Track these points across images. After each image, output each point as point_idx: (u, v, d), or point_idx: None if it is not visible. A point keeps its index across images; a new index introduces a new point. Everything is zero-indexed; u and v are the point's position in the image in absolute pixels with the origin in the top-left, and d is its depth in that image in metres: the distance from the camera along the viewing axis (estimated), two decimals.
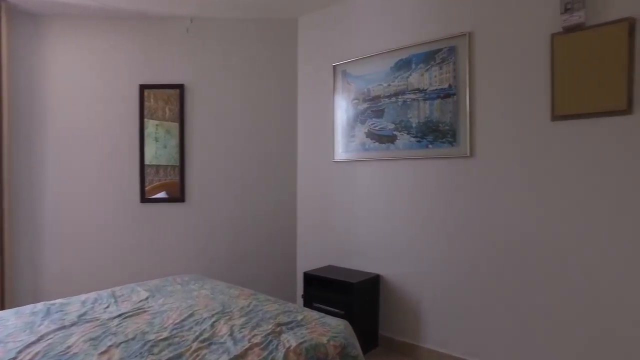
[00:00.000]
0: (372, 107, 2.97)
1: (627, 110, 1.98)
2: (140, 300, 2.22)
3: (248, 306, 2.11)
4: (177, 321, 1.88)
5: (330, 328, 1.83)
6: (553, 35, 2.17)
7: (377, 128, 2.96)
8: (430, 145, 2.68)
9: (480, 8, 2.47)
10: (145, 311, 2.04)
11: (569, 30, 2.12)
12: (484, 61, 2.45)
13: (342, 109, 3.17)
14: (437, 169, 2.67)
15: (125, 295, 2.33)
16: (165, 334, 1.73)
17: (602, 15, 2.06)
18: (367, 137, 3.01)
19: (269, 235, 3.47)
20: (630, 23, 1.97)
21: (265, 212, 3.46)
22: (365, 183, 3.04)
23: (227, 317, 1.94)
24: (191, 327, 1.82)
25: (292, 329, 1.81)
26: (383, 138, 2.92)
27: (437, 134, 2.65)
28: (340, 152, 3.17)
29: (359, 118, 3.05)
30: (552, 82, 2.18)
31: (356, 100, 3.07)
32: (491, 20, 2.43)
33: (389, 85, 2.87)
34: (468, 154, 2.50)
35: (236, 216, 3.41)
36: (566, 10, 2.10)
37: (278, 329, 1.80)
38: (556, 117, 2.18)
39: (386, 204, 2.91)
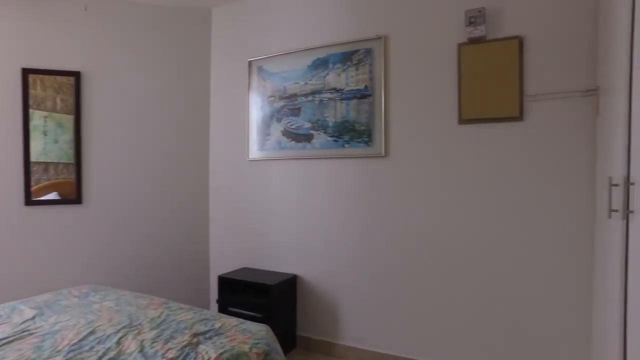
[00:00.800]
0: (288, 105, 2.92)
1: (520, 117, 2.19)
2: (25, 321, 1.88)
3: (159, 317, 1.93)
4: (74, 341, 1.63)
5: (251, 334, 1.73)
6: (460, 45, 2.32)
7: (293, 127, 2.91)
8: (346, 145, 2.71)
9: (395, 13, 2.55)
10: (31, 333, 1.74)
11: (472, 41, 2.28)
12: (399, 65, 2.54)
13: (258, 106, 3.06)
14: (353, 168, 2.70)
15: (3, 316, 1.96)
16: (59, 359, 1.49)
17: (498, 31, 2.25)
18: (283, 135, 2.95)
19: (180, 237, 3.23)
20: (520, 41, 2.18)
21: (175, 213, 3.21)
22: (281, 182, 2.98)
23: (135, 331, 1.74)
24: (92, 347, 1.59)
25: (210, 338, 1.69)
26: (300, 137, 2.89)
27: (353, 134, 2.68)
28: (256, 151, 3.07)
29: (275, 116, 2.98)
30: (459, 88, 2.33)
31: (272, 98, 2.99)
32: (405, 26, 2.52)
33: (306, 83, 2.84)
34: (383, 154, 2.58)
35: (142, 218, 3.11)
36: (470, 23, 2.25)
37: (195, 339, 1.66)
38: (462, 120, 2.33)
39: (303, 204, 2.88)
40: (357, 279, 2.69)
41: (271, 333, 1.83)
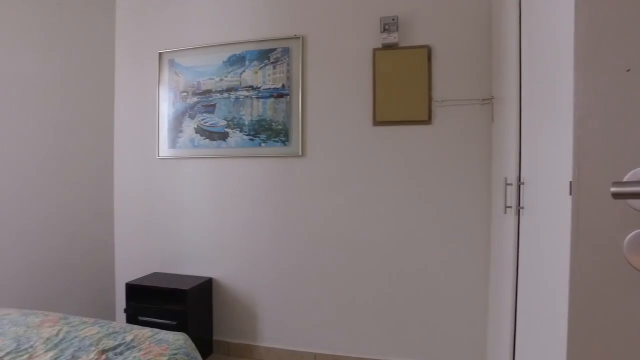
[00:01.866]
0: (202, 101, 2.77)
1: (428, 121, 2.32)
2: None
3: (57, 335, 1.65)
4: None
5: (168, 345, 1.58)
6: (375, 50, 2.39)
7: (207, 124, 2.78)
8: (263, 144, 2.65)
9: (314, 14, 2.55)
10: None
11: (386, 47, 2.36)
12: (316, 65, 2.54)
13: (169, 102, 2.86)
14: (270, 167, 2.65)
15: None
16: None
17: (410, 39, 2.36)
18: (196, 133, 2.79)
19: (79, 243, 2.86)
20: (428, 50, 2.31)
21: (73, 217, 2.84)
22: (194, 182, 2.82)
23: (26, 356, 1.48)
24: None
25: (121, 354, 1.50)
26: (214, 135, 2.76)
27: (270, 133, 2.63)
28: (166, 149, 2.86)
29: (187, 112, 2.81)
30: (374, 91, 2.39)
31: (185, 93, 2.82)
32: (324, 28, 2.53)
33: (222, 79, 2.72)
34: (300, 154, 2.56)
35: (33, 224, 2.70)
36: (384, 29, 2.33)
37: (103, 357, 1.47)
38: (377, 122, 2.40)
39: (217, 204, 2.75)
40: (272, 279, 2.63)
41: (190, 341, 1.69)
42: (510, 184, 1.63)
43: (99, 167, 2.98)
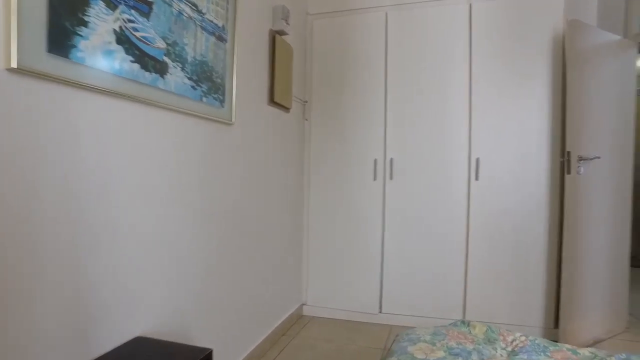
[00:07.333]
0: None
1: (288, 110, 2.68)
2: None
3: None
4: None
5: None
6: (273, 34, 2.41)
7: (138, 34, 1.29)
8: (204, 99, 1.69)
9: None
10: None
11: (279, 33, 2.43)
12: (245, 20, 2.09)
13: None
14: (203, 134, 1.73)
15: None
16: None
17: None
18: (119, 43, 1.21)
19: None
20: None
21: None
22: (98, 145, 1.18)
23: None
24: None
25: None
26: (147, 60, 1.34)
27: (211, 85, 1.73)
28: (38, 52, 0.95)
29: None
30: (272, 73, 2.38)
31: None
32: None
33: None
34: (232, 121, 1.92)
35: None
36: (282, 18, 2.41)
37: None
38: (271, 102, 2.39)
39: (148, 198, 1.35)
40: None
41: None
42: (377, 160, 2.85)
43: None
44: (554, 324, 2.52)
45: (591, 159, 2.32)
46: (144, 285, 1.39)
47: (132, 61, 1.29)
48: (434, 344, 1.47)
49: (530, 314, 2.58)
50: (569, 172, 2.29)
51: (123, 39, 1.25)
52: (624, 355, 1.42)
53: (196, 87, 1.65)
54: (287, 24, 2.47)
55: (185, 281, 1.62)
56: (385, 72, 2.82)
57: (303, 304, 3.00)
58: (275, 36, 2.40)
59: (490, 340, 1.53)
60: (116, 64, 1.22)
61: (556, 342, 1.48)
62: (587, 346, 2.40)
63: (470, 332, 1.61)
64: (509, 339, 1.52)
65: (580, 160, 2.29)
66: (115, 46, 1.22)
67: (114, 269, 1.25)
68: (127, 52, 1.27)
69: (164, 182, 1.49)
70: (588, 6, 2.67)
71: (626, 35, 2.80)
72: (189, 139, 1.65)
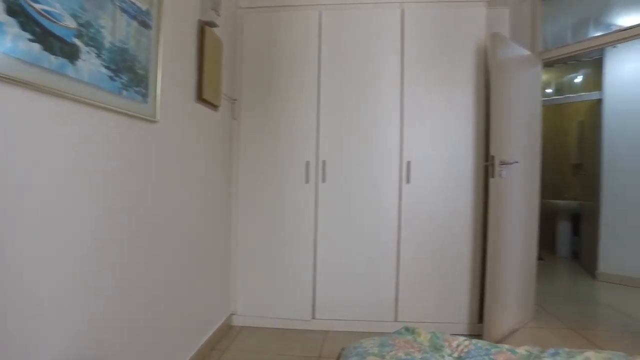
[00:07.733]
0: None
1: (217, 107, 2.46)
2: None
3: None
4: None
5: None
6: (202, 24, 2.18)
7: (39, 6, 1.01)
8: (125, 92, 1.43)
9: None
10: None
11: (209, 25, 2.20)
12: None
13: None
14: (122, 133, 1.47)
15: None
16: None
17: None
18: (11, 15, 0.95)
19: None
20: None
21: None
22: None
23: None
24: None
25: None
26: (53, 41, 1.07)
27: (133, 77, 1.47)
28: None
29: None
30: (201, 67, 2.14)
31: None
32: None
33: None
34: (156, 119, 1.67)
35: None
36: (212, 8, 2.19)
37: None
38: (199, 100, 2.16)
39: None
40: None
41: None
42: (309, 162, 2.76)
43: None
44: (478, 319, 2.65)
45: (511, 163, 2.48)
46: (47, 318, 1.12)
47: (30, 40, 1.02)
48: (382, 357, 1.41)
49: (457, 312, 2.69)
50: (492, 176, 2.42)
51: (16, 9, 0.98)
52: (552, 350, 1.51)
53: (115, 77, 1.39)
54: (218, 15, 2.26)
55: (97, 304, 1.36)
56: (318, 72, 2.75)
57: (232, 314, 2.79)
58: (204, 27, 2.18)
59: (436, 347, 1.52)
60: (7, 41, 0.95)
61: (480, 335, 1.52)
62: (504, 337, 2.57)
63: (415, 340, 1.59)
64: (454, 344, 1.53)
65: (502, 164, 2.44)
66: (4, 17, 0.95)
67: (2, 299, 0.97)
68: (24, 27, 1.00)
69: (73, 187, 1.22)
70: (502, 21, 2.88)
71: (533, 52, 3.07)
72: (106, 137, 1.38)
